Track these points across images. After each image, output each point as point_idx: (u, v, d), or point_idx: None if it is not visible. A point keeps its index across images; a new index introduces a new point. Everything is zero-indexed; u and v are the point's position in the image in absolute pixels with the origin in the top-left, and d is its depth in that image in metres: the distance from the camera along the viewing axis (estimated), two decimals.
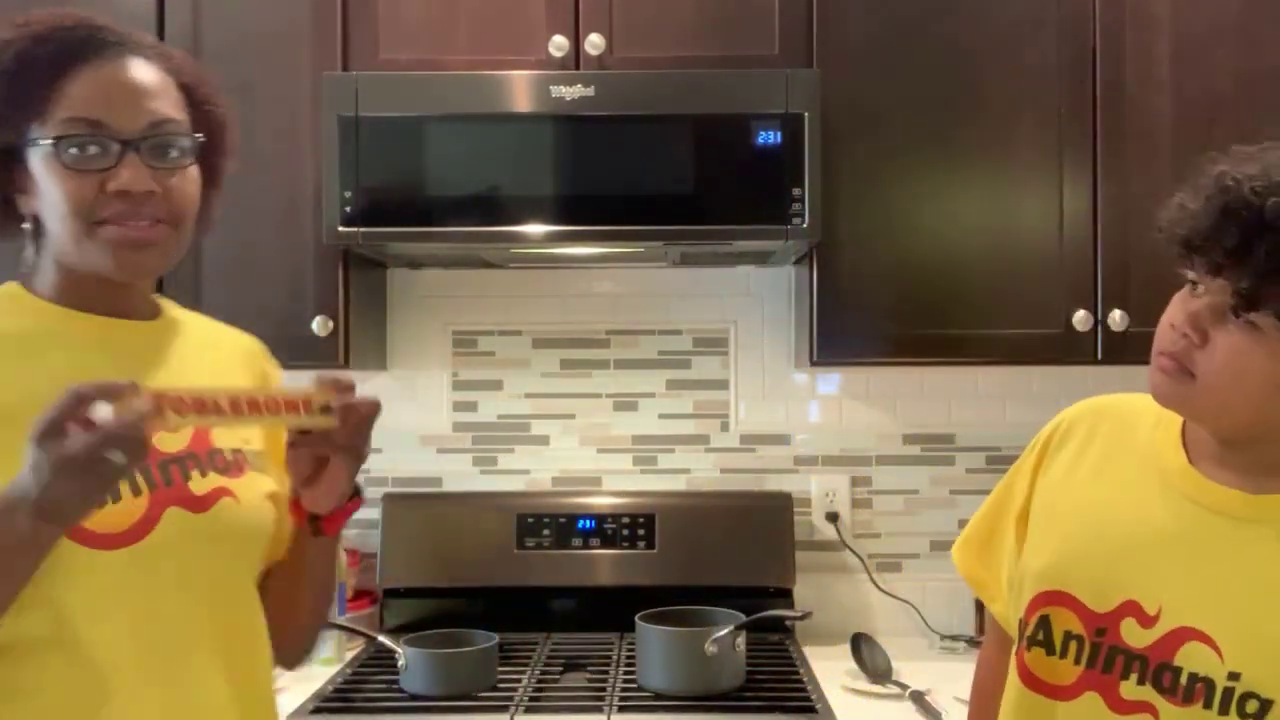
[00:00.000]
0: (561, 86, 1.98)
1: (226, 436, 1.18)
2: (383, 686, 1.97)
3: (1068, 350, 2.07)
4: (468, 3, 2.10)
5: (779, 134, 1.96)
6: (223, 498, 1.14)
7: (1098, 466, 1.25)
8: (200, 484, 1.13)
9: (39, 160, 1.09)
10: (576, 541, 2.32)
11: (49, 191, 1.09)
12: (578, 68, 2.07)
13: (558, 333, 2.47)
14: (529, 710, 1.85)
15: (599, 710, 1.84)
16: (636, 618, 1.99)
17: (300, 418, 1.09)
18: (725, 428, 2.45)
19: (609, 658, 2.13)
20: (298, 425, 1.11)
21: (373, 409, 1.13)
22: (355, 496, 1.21)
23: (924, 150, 2.08)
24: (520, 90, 1.99)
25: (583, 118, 1.97)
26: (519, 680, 1.98)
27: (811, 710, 1.83)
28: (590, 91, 1.97)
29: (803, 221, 1.96)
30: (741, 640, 1.93)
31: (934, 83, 2.08)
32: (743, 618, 1.94)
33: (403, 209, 1.99)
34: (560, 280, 2.47)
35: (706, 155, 1.98)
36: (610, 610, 2.26)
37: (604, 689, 1.94)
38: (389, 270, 2.45)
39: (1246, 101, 2.07)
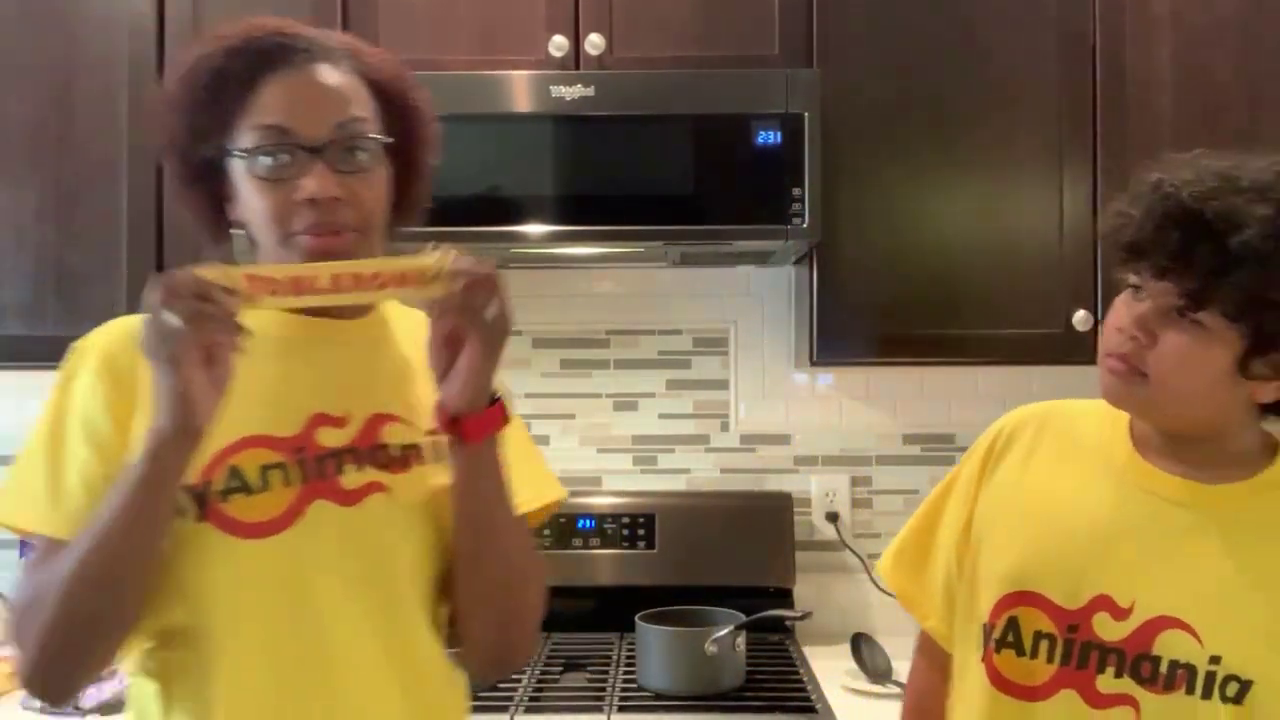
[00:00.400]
0: (561, 86, 1.98)
1: (401, 432, 1.16)
2: None
3: (1068, 350, 2.07)
4: (468, 3, 2.10)
5: (779, 134, 1.96)
6: (374, 493, 1.13)
7: (1050, 468, 1.26)
8: (354, 478, 1.13)
9: (237, 171, 1.12)
10: (576, 541, 2.32)
11: (248, 201, 1.12)
12: (578, 68, 2.07)
13: (558, 333, 2.47)
14: (529, 710, 1.85)
15: (599, 710, 1.84)
16: (636, 618, 1.99)
17: (408, 289, 1.05)
18: (725, 428, 2.45)
19: (609, 658, 2.13)
20: (407, 297, 1.07)
21: (491, 272, 1.06)
22: (497, 403, 1.12)
23: (924, 150, 2.08)
24: (520, 90, 1.99)
25: (583, 118, 1.97)
26: (519, 680, 1.98)
27: (811, 710, 1.83)
28: (590, 91, 1.97)
29: (803, 221, 1.96)
30: (741, 640, 1.93)
31: (934, 82, 2.08)
32: (743, 618, 1.94)
33: None
34: (560, 280, 2.47)
35: (706, 155, 1.98)
36: (610, 610, 2.26)
37: (604, 689, 1.94)
38: None
39: (1246, 101, 2.08)
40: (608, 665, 2.09)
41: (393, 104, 1.18)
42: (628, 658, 2.10)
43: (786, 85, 1.97)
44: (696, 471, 2.45)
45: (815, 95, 1.97)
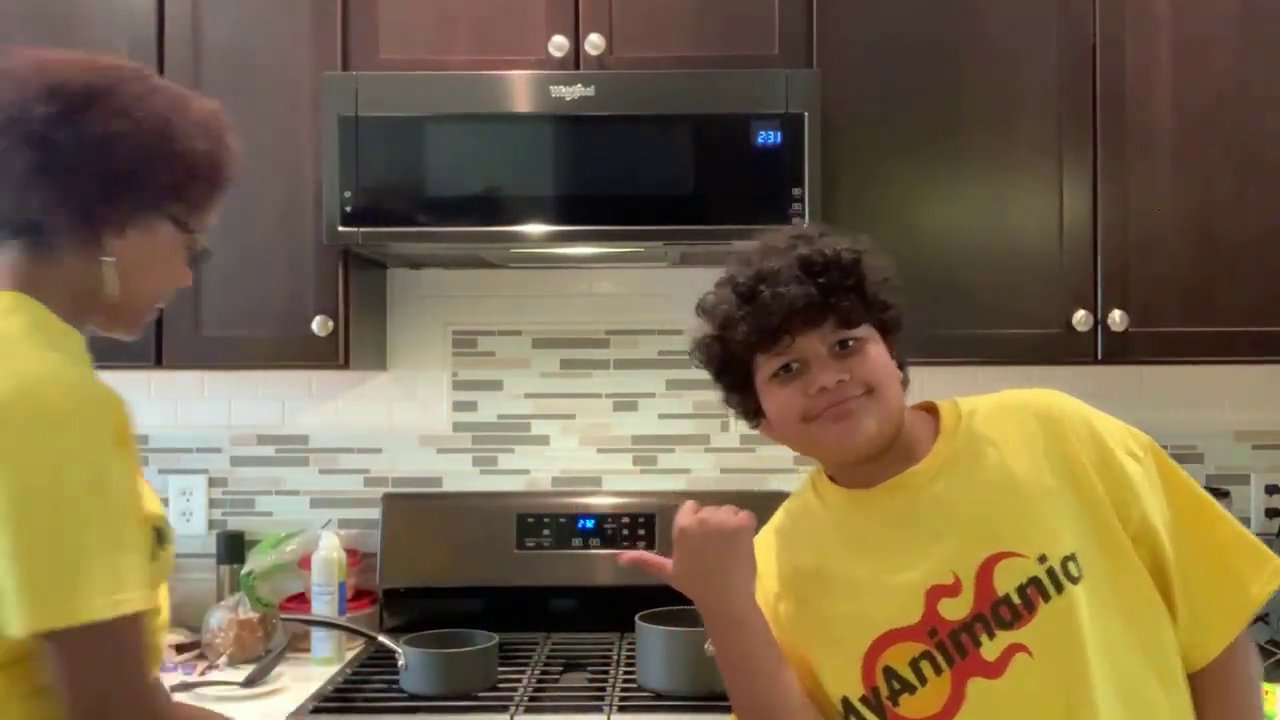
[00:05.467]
0: (561, 86, 1.98)
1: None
2: (383, 686, 1.97)
3: (1068, 350, 2.07)
4: (468, 3, 2.10)
5: (779, 134, 1.96)
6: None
7: (816, 567, 1.30)
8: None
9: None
10: (576, 541, 2.32)
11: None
12: (578, 68, 2.07)
13: (558, 333, 2.47)
14: (529, 710, 1.85)
15: (599, 710, 1.84)
16: (636, 618, 1.99)
17: None
18: (725, 428, 2.45)
19: (609, 658, 2.13)
20: None
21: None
22: None
23: (924, 150, 2.08)
24: (520, 90, 1.99)
25: (583, 118, 1.97)
26: (519, 680, 1.98)
27: None
28: (590, 91, 1.97)
29: (803, 221, 1.96)
30: None
31: (934, 82, 2.08)
32: None
33: (403, 209, 1.99)
34: (560, 280, 2.47)
35: (706, 155, 1.98)
36: (610, 610, 2.26)
37: (604, 689, 1.94)
38: (389, 270, 2.45)
39: (1246, 101, 2.08)
40: (608, 665, 2.09)
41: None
42: (628, 658, 2.10)
43: (786, 85, 1.97)
44: (696, 471, 2.45)
45: (815, 95, 1.97)
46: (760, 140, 1.96)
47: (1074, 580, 1.17)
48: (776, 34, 2.09)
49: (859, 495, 1.30)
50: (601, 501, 2.37)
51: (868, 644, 1.22)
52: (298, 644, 2.22)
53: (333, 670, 2.09)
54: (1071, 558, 1.18)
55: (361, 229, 1.98)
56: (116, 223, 1.18)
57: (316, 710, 1.86)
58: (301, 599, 2.30)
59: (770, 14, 2.09)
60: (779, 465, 2.44)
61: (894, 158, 2.08)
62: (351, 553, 2.35)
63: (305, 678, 2.04)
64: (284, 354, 2.12)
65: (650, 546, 2.32)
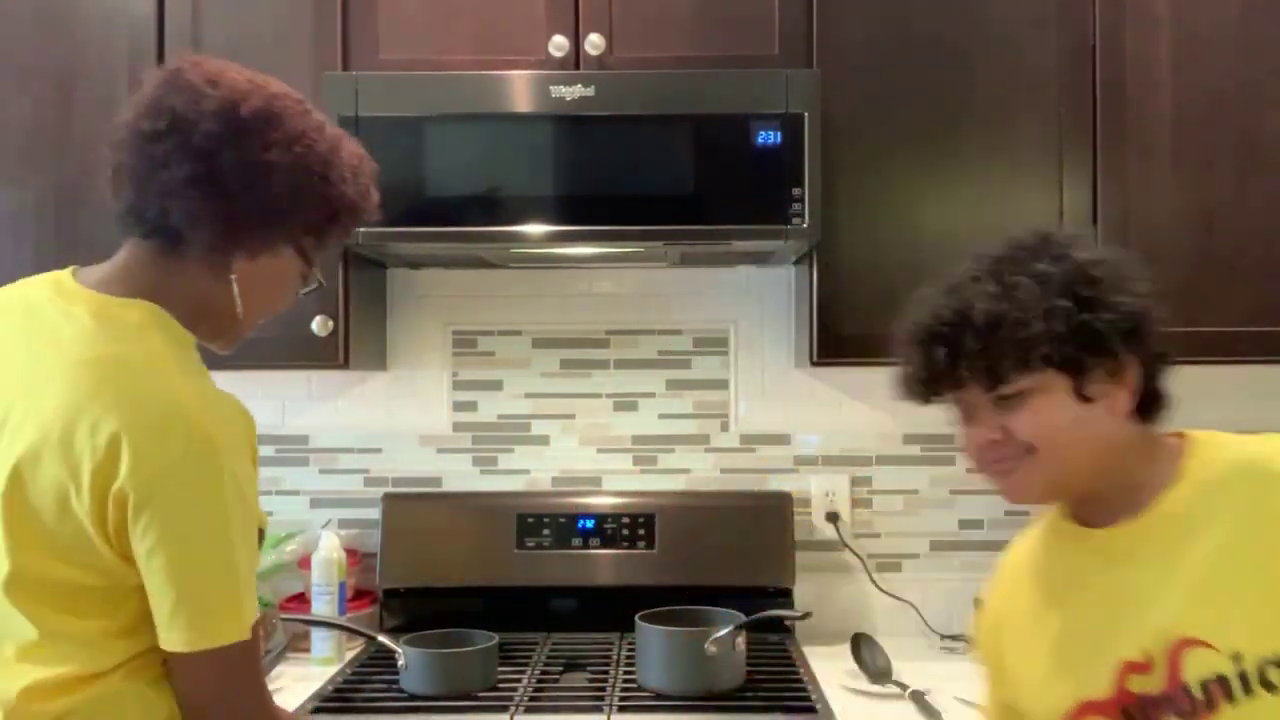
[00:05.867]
0: (561, 86, 1.98)
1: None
2: (383, 686, 1.97)
3: None
4: (468, 3, 2.10)
5: (779, 134, 1.96)
6: None
7: (1036, 614, 1.28)
8: None
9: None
10: (576, 541, 2.32)
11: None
12: (578, 68, 2.07)
13: (558, 333, 2.47)
14: (529, 710, 1.85)
15: (599, 710, 1.84)
16: (636, 618, 1.99)
17: None
18: (725, 428, 2.45)
19: (609, 658, 2.13)
20: None
21: None
22: None
23: (924, 150, 2.08)
24: (520, 90, 1.99)
25: (583, 118, 1.97)
26: (519, 680, 1.98)
27: (811, 710, 1.83)
28: (590, 91, 1.97)
29: (802, 221, 1.96)
30: (741, 640, 1.93)
31: (934, 82, 2.08)
32: (743, 618, 1.94)
33: (403, 209, 1.99)
34: (560, 280, 2.47)
35: (706, 155, 1.98)
36: (610, 610, 2.26)
37: (604, 689, 1.94)
38: (389, 270, 2.45)
39: (1246, 101, 2.08)
40: (608, 665, 2.09)
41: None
42: (628, 658, 2.10)
43: (786, 85, 1.97)
44: (696, 471, 2.45)
45: (815, 95, 1.97)
46: (760, 140, 1.96)
47: (1271, 689, 1.08)
48: (776, 34, 2.09)
49: (1080, 534, 1.25)
50: (601, 501, 2.37)
51: (1063, 710, 1.19)
52: (298, 644, 2.22)
53: (333, 670, 2.09)
54: (1276, 663, 1.08)
55: (361, 229, 1.98)
56: (252, 248, 1.22)
57: (316, 710, 1.86)
58: (301, 599, 2.30)
59: (770, 14, 2.09)
60: (779, 465, 2.44)
61: (894, 158, 2.08)
62: (351, 553, 2.35)
63: (305, 678, 2.04)
64: (284, 354, 2.12)
65: (650, 547, 2.32)
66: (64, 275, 1.26)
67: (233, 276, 1.23)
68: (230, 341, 1.32)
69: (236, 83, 1.20)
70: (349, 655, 2.19)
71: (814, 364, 2.12)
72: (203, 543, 1.12)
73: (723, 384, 2.44)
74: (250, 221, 1.20)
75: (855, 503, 2.44)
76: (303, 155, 1.20)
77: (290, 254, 1.27)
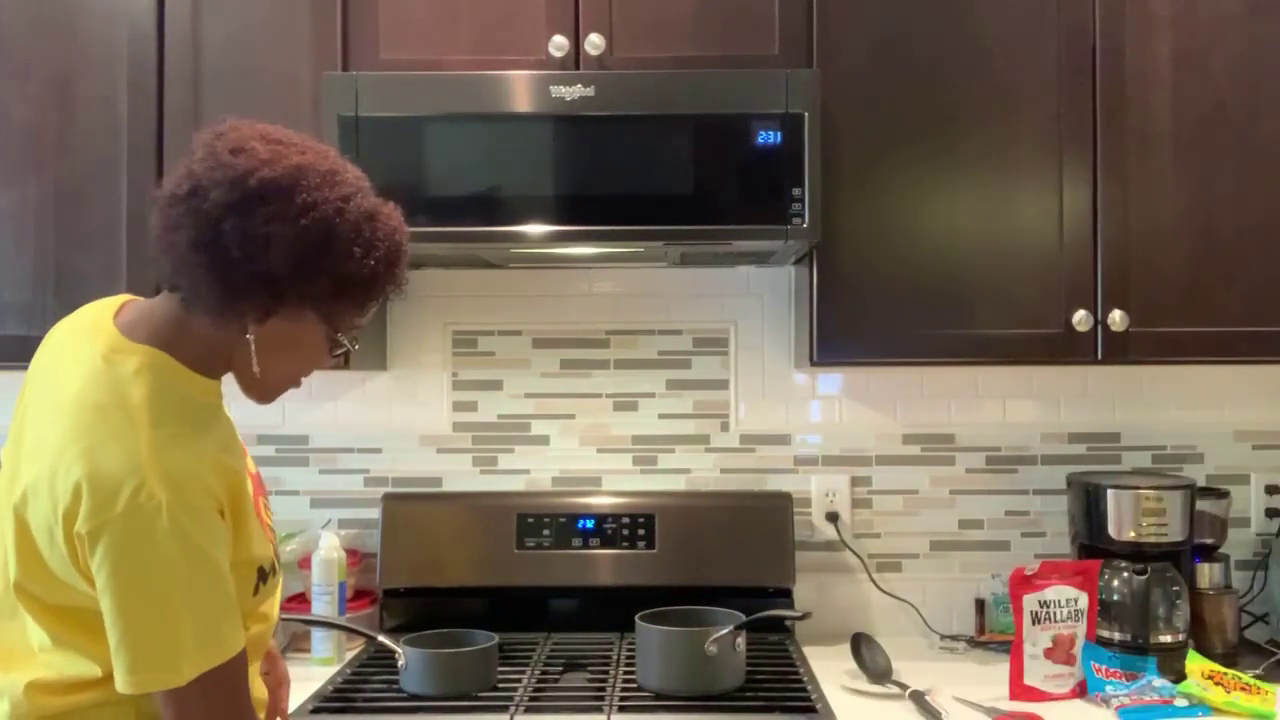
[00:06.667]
0: (561, 86, 1.98)
1: None
2: (382, 686, 1.97)
3: (1068, 350, 2.07)
4: (468, 3, 2.10)
5: (779, 134, 1.96)
6: None
7: None
8: None
9: None
10: (576, 541, 2.32)
11: None
12: (578, 68, 2.07)
13: (558, 333, 2.47)
14: (529, 710, 1.85)
15: (599, 710, 1.84)
16: (636, 618, 1.99)
17: None
18: (725, 428, 2.45)
19: (609, 658, 2.13)
20: None
21: None
22: None
23: (924, 150, 2.08)
24: (520, 90, 1.99)
25: (583, 118, 1.97)
26: (519, 680, 1.98)
27: (811, 710, 1.83)
28: (590, 91, 1.97)
29: (802, 221, 1.96)
30: (741, 640, 1.93)
31: (934, 82, 2.08)
32: (743, 618, 1.94)
33: (403, 209, 1.98)
34: (560, 280, 2.47)
35: (706, 155, 1.98)
36: (610, 610, 2.26)
37: (604, 689, 1.94)
38: None
39: (1246, 101, 2.08)
40: (608, 665, 2.09)
41: None
42: (628, 658, 2.10)
43: (786, 85, 1.97)
44: (696, 471, 2.45)
45: (815, 95, 1.97)
46: (760, 140, 1.96)
47: None
48: (776, 34, 2.09)
49: None
50: (601, 501, 2.37)
51: None
52: (298, 644, 2.23)
53: (333, 670, 2.09)
54: None
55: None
56: (257, 313, 1.25)
57: (316, 710, 1.86)
58: (301, 599, 2.30)
59: (770, 14, 2.09)
60: (779, 465, 2.44)
61: (894, 158, 2.08)
62: (351, 553, 2.35)
63: (305, 678, 2.04)
64: None
65: (650, 547, 2.32)
66: (111, 306, 1.33)
67: (249, 336, 1.26)
68: (261, 396, 1.36)
69: (258, 151, 1.23)
70: (349, 655, 2.19)
71: (814, 364, 2.12)
72: (137, 595, 1.16)
73: (723, 384, 2.44)
74: (247, 289, 1.22)
75: (855, 503, 2.44)
76: (307, 228, 1.21)
77: (313, 319, 1.29)
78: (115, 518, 1.14)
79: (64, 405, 1.21)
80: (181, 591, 1.16)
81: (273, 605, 1.41)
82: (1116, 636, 2.08)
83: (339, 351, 1.35)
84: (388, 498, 2.38)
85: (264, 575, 1.32)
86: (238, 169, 1.21)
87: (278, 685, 1.55)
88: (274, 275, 1.21)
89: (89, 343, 1.27)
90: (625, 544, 2.32)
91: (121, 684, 1.17)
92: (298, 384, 1.38)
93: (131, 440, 1.18)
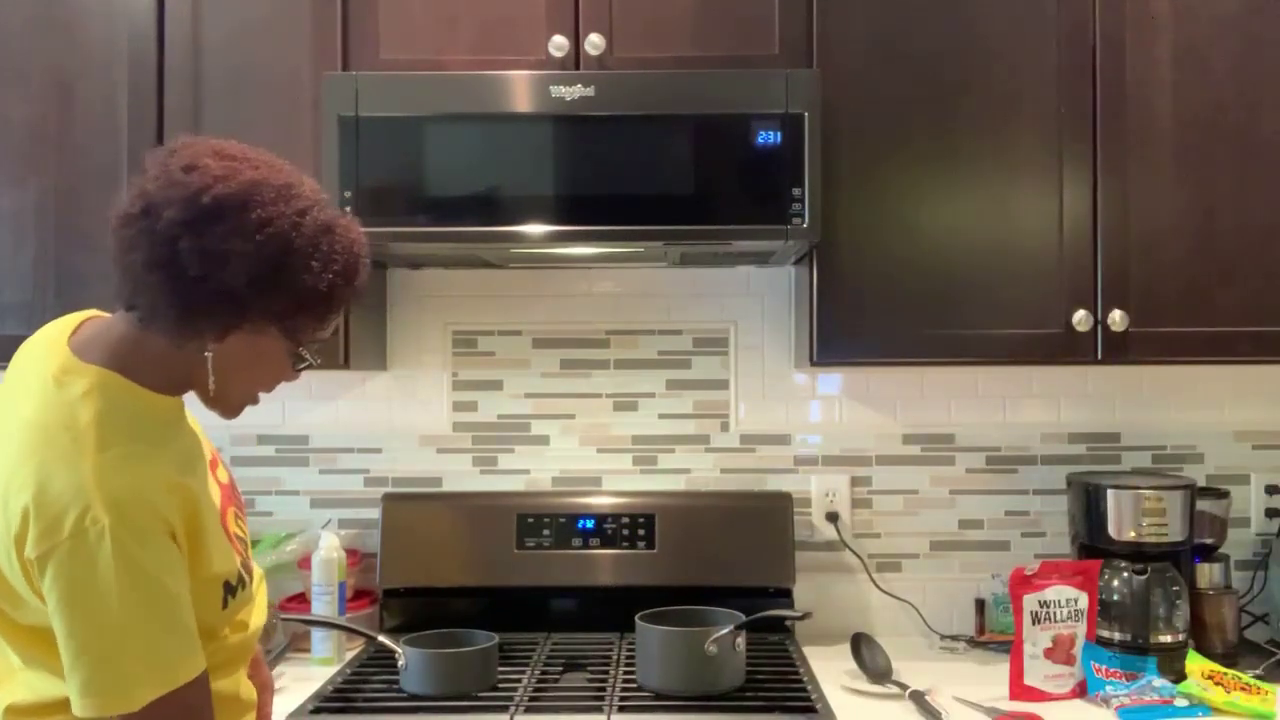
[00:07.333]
0: (561, 86, 1.98)
1: None
2: (382, 686, 1.97)
3: (1068, 350, 2.07)
4: (468, 3, 2.10)
5: (779, 134, 1.96)
6: None
7: None
8: None
9: None
10: (576, 541, 2.32)
11: None
12: (578, 68, 2.07)
13: (558, 333, 2.47)
14: (529, 710, 1.85)
15: (599, 710, 1.84)
16: (636, 618, 1.99)
17: None
18: (725, 428, 2.45)
19: (609, 658, 2.13)
20: None
21: None
22: None
23: (924, 150, 2.08)
24: (520, 90, 1.99)
25: (583, 118, 1.97)
26: (519, 680, 1.98)
27: (811, 710, 1.83)
28: (590, 91, 1.97)
29: (803, 221, 1.96)
30: (741, 640, 1.93)
31: (934, 82, 2.08)
32: (743, 618, 1.94)
33: (403, 209, 1.99)
34: (560, 280, 2.47)
35: (706, 155, 1.98)
36: (610, 610, 2.26)
37: (604, 689, 1.94)
38: (389, 270, 2.45)
39: (1246, 102, 2.08)
40: (608, 665, 2.09)
41: None
42: (628, 658, 2.10)
43: (786, 85, 1.97)
44: (696, 471, 2.45)
45: (815, 95, 1.97)
46: (760, 140, 1.96)
47: None
48: (776, 34, 2.09)
49: None
50: (601, 501, 2.37)
51: None
52: (298, 644, 2.22)
53: (333, 670, 2.09)
54: None
55: (361, 229, 1.97)
56: (217, 330, 1.23)
57: (316, 710, 1.86)
58: (301, 599, 2.30)
59: (770, 14, 2.09)
60: (779, 465, 2.44)
61: (894, 158, 2.08)
62: (351, 553, 2.35)
63: (305, 678, 2.04)
64: None
65: (650, 547, 2.32)
66: (69, 325, 1.31)
67: (207, 354, 1.25)
68: (225, 410, 1.34)
69: (211, 168, 1.21)
70: (349, 655, 2.19)
71: (814, 364, 2.12)
72: (84, 621, 1.15)
73: (723, 384, 2.44)
74: (206, 308, 1.21)
75: (855, 503, 2.44)
76: (263, 244, 1.20)
77: (275, 333, 1.27)
78: (60, 543, 1.13)
79: (16, 427, 1.20)
80: (127, 617, 1.15)
81: (251, 613, 1.40)
82: (1116, 636, 2.08)
83: (301, 366, 1.34)
84: (388, 498, 2.38)
85: (231, 589, 1.31)
86: (191, 186, 1.19)
87: (262, 689, 1.53)
88: (233, 292, 1.20)
89: (43, 363, 1.25)
90: (625, 544, 2.32)
91: (76, 708, 1.15)
92: (255, 401, 1.36)
93: (77, 464, 1.16)
